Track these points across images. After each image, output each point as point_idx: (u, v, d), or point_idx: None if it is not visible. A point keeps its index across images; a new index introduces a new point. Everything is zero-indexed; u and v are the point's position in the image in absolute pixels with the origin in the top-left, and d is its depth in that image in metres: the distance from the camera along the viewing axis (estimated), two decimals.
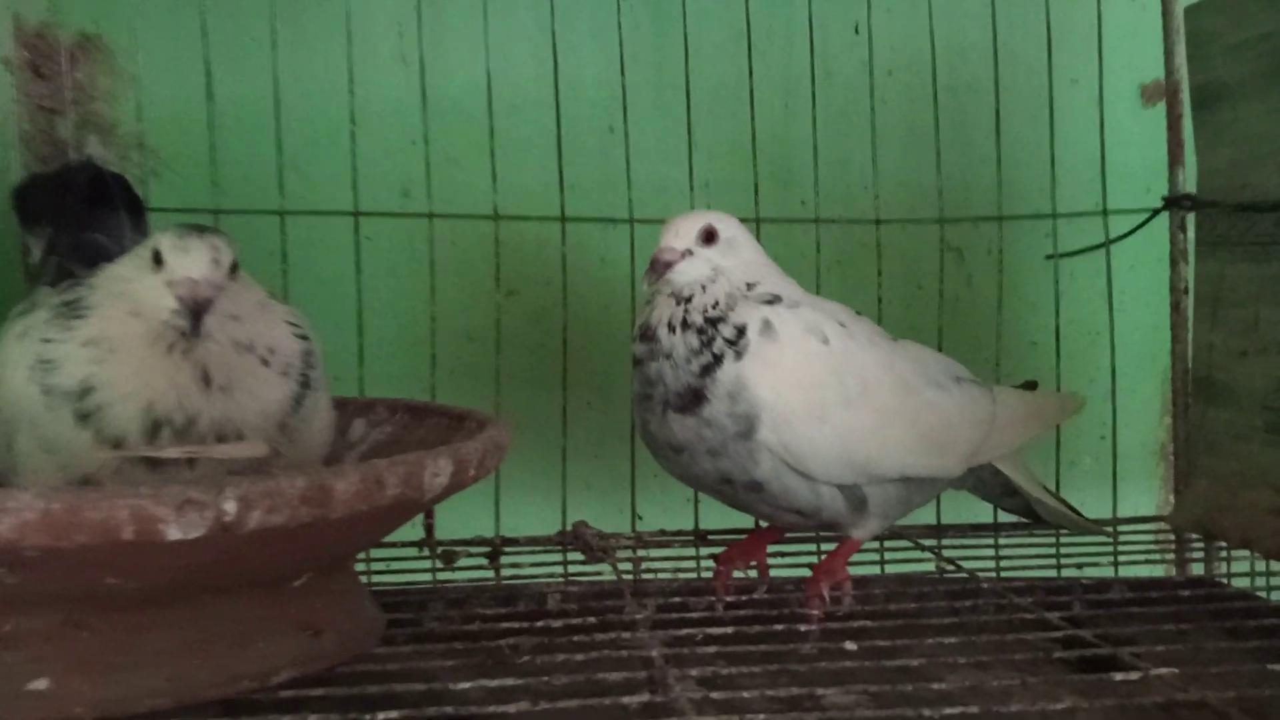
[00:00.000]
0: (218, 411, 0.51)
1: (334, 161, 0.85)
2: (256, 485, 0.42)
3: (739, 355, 0.64)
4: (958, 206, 0.89)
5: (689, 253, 0.66)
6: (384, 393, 0.75)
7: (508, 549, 0.79)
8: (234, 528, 0.41)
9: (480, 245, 0.85)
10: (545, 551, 0.79)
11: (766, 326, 0.65)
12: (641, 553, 0.79)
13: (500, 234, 0.82)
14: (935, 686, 0.52)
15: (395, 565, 0.77)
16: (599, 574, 0.74)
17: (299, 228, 0.82)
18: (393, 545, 0.77)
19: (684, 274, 0.66)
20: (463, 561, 0.77)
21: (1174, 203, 0.84)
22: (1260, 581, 0.82)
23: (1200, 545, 0.83)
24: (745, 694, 0.48)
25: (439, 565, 0.77)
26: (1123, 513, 0.89)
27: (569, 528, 0.80)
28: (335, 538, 0.49)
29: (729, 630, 0.58)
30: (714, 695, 0.48)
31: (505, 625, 0.61)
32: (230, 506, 0.41)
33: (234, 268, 0.53)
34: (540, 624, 0.60)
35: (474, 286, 0.87)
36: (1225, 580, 0.79)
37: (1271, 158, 0.74)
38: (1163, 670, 0.50)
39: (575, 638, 0.57)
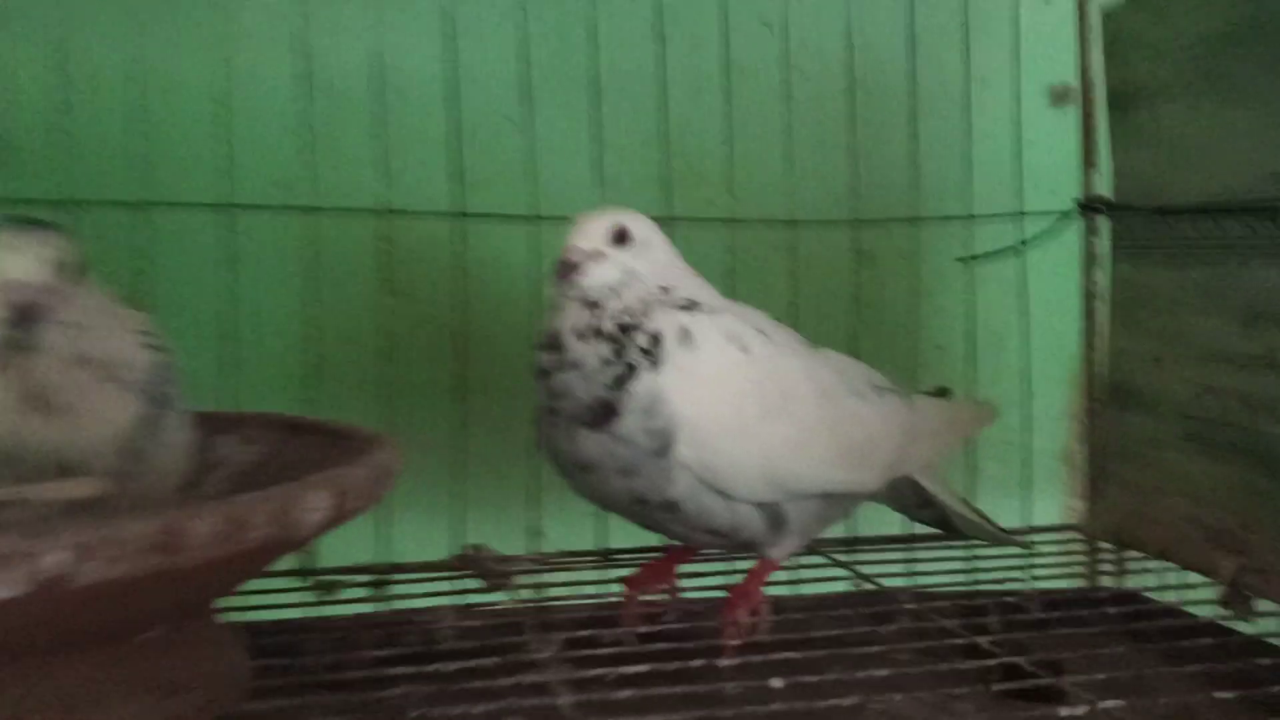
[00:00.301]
0: (52, 439, 0.43)
1: (204, 149, 0.77)
2: (91, 532, 0.35)
3: (655, 365, 0.59)
4: (871, 207, 0.86)
5: (599, 254, 0.61)
6: (259, 406, 0.67)
7: (395, 576, 0.72)
8: (62, 584, 0.34)
9: (367, 243, 0.78)
10: (437, 579, 0.72)
11: (684, 334, 0.60)
12: (545, 577, 0.73)
13: (390, 231, 0.75)
14: None
15: (265, 597, 0.69)
16: (498, 603, 0.68)
17: (164, 222, 0.73)
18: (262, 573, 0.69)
19: (594, 277, 0.61)
20: (345, 592, 0.70)
21: (1088, 206, 0.82)
22: (1171, 593, 0.80)
23: (1113, 555, 0.82)
24: None
25: (317, 597, 0.70)
26: (1029, 522, 0.87)
27: (464, 551, 0.74)
28: (191, 587, 0.42)
29: (644, 668, 0.53)
30: None
31: (395, 668, 0.54)
32: (56, 560, 0.34)
33: (75, 268, 0.46)
34: (434, 666, 0.54)
35: (360, 288, 0.80)
36: (1143, 593, 0.78)
37: (1192, 161, 0.72)
38: (1110, 703, 0.47)
39: (474, 683, 0.51)
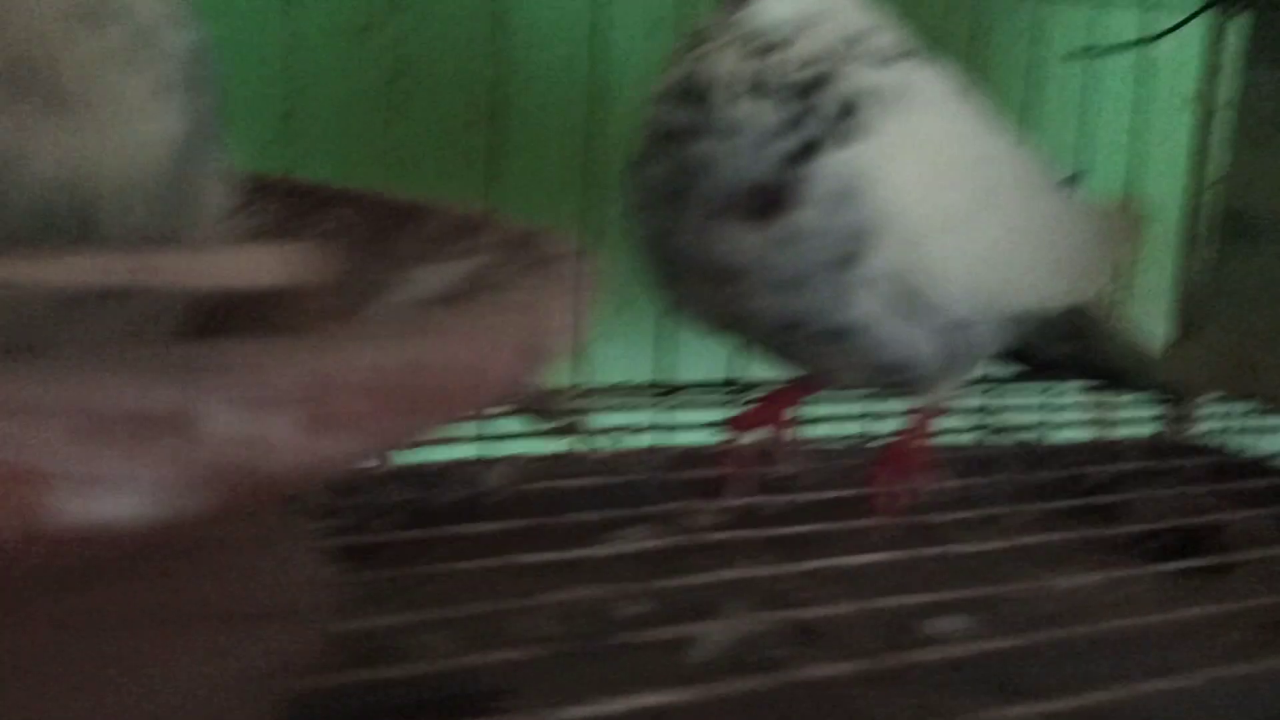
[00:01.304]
0: (62, 145, 0.22)
1: None
2: (297, 375, 0.15)
3: (849, 139, 0.42)
4: None
5: None
6: None
7: None
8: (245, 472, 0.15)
9: None
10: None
11: (892, 98, 0.43)
12: (602, 418, 0.56)
13: None
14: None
15: None
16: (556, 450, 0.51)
17: None
18: None
19: (776, 6, 0.42)
20: None
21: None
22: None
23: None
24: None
25: None
26: None
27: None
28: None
29: (881, 557, 0.38)
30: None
31: (521, 556, 0.37)
32: (282, 428, 0.14)
33: None
34: (576, 553, 0.37)
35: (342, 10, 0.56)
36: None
37: None
38: None
39: (662, 583, 0.35)
